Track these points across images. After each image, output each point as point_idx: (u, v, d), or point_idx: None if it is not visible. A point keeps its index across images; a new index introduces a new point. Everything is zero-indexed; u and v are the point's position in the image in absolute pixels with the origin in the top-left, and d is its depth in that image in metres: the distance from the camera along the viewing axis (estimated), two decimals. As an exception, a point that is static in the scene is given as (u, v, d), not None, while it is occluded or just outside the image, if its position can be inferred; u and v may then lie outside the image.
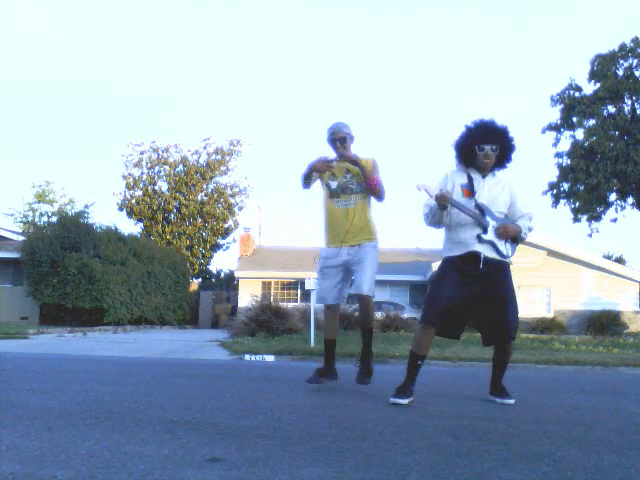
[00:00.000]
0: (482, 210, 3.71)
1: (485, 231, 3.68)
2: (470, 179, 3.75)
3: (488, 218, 3.71)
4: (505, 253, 3.75)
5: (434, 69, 60.80)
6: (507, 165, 3.86)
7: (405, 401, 3.55)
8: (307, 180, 4.28)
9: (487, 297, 3.65)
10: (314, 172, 4.25)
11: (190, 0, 57.28)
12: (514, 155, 3.84)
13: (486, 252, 3.68)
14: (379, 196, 4.26)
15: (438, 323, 3.65)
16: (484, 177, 3.78)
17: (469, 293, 3.64)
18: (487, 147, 3.69)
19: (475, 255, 3.66)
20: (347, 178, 4.25)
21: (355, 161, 4.18)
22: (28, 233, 21.22)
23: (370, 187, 4.19)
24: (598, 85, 24.93)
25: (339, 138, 4.24)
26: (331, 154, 4.31)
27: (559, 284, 23.26)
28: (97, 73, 54.90)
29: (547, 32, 58.97)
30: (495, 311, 3.66)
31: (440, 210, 3.66)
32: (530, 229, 3.86)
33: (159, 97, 59.20)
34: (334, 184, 4.31)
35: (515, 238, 3.80)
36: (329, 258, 4.29)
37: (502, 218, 3.77)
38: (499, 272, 3.71)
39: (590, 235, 25.93)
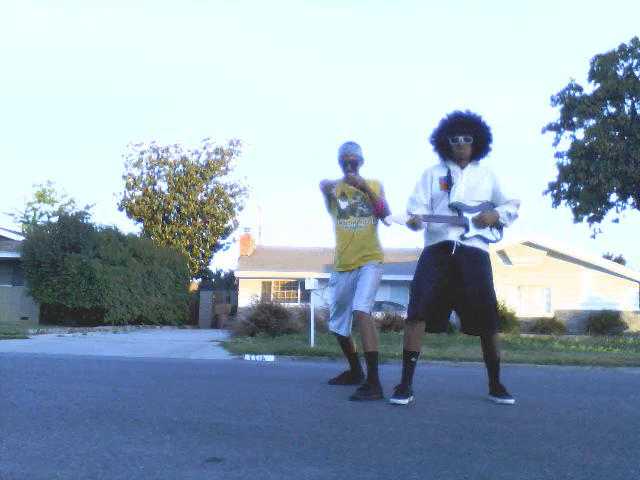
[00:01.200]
0: (457, 208, 3.73)
1: (467, 229, 3.71)
2: (449, 172, 3.77)
3: (465, 214, 3.72)
4: (494, 239, 3.79)
5: (434, 69, 60.85)
6: (486, 155, 3.86)
7: (405, 401, 3.54)
8: (330, 203, 4.32)
9: (466, 286, 3.66)
10: (327, 195, 4.27)
11: (190, 0, 57.31)
12: (492, 145, 3.84)
13: (466, 242, 3.71)
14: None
15: (425, 316, 3.67)
16: (463, 168, 3.79)
17: (448, 281, 3.66)
18: (460, 138, 3.71)
19: (449, 244, 3.69)
20: (357, 200, 4.22)
21: (363, 187, 4.13)
22: (28, 233, 21.21)
23: (377, 211, 4.17)
24: (598, 85, 24.91)
25: (350, 161, 4.19)
26: (340, 174, 4.29)
27: (559, 284, 23.28)
28: (97, 73, 54.95)
29: (547, 32, 59.01)
30: (474, 302, 3.66)
31: (414, 229, 3.70)
32: (513, 215, 3.83)
33: (159, 97, 59.23)
34: (344, 204, 4.27)
35: (497, 224, 3.81)
36: (338, 285, 4.29)
37: (477, 206, 3.75)
38: (478, 262, 3.73)
39: (593, 236, 25.91)
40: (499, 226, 3.84)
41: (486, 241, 3.78)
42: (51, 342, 10.38)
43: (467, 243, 3.71)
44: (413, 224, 3.62)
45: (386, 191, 4.29)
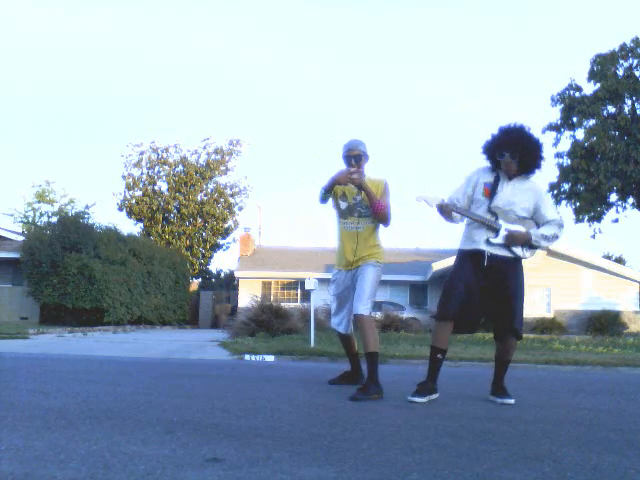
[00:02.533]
0: (495, 214, 3.75)
1: (496, 234, 3.73)
2: (497, 179, 3.80)
3: (501, 221, 3.74)
4: (521, 255, 3.79)
5: (434, 69, 60.83)
6: (535, 171, 3.87)
7: (424, 399, 3.60)
8: (326, 194, 4.14)
9: (496, 293, 3.71)
10: (337, 185, 4.09)
11: (190, 0, 57.30)
12: (542, 162, 3.86)
13: (495, 250, 3.73)
14: (384, 221, 4.20)
15: (453, 317, 3.70)
16: (510, 179, 3.80)
17: (481, 286, 3.70)
18: (506, 154, 3.73)
19: (481, 253, 3.72)
20: (357, 200, 4.18)
21: (360, 185, 4.06)
22: (28, 233, 21.22)
23: (374, 212, 4.13)
24: (598, 85, 24.91)
25: (354, 155, 4.13)
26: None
27: (559, 284, 23.26)
28: (97, 73, 54.95)
29: (547, 32, 58.99)
30: (502, 308, 3.72)
31: (445, 218, 3.71)
32: (551, 236, 3.80)
33: (159, 97, 59.23)
34: (344, 205, 4.22)
35: (529, 244, 3.81)
36: (338, 283, 4.27)
37: (517, 220, 3.78)
38: (509, 269, 3.76)
39: (593, 236, 25.93)
40: (531, 246, 3.83)
41: (512, 253, 3.78)
42: (51, 342, 10.38)
43: (498, 252, 3.72)
44: (442, 210, 3.60)
45: (391, 192, 4.25)
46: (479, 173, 3.88)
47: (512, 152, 3.72)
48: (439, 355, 3.76)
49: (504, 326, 3.78)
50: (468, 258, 3.79)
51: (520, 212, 3.80)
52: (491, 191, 3.76)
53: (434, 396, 3.70)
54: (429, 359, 3.82)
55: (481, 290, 3.71)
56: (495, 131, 3.86)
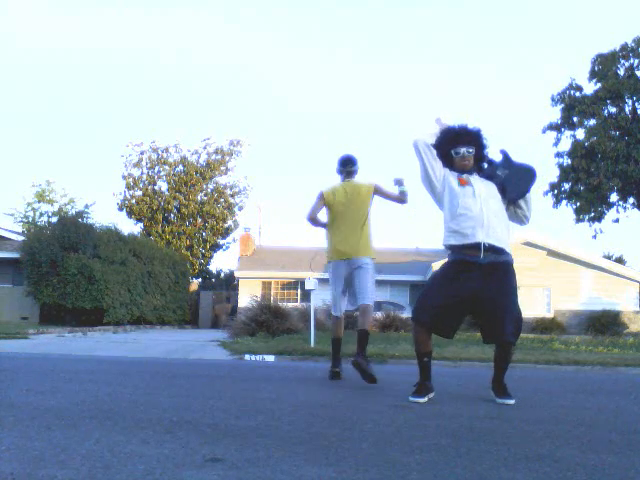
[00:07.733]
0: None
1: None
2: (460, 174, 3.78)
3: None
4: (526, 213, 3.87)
5: (434, 69, 60.82)
6: (484, 164, 3.89)
7: (424, 399, 3.61)
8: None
9: (488, 297, 3.60)
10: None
11: (190, 0, 57.32)
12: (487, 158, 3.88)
13: (490, 240, 3.59)
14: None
15: (427, 321, 3.67)
16: (471, 174, 3.77)
17: (467, 291, 3.59)
18: (463, 149, 3.72)
19: (477, 246, 3.59)
20: None
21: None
22: (28, 233, 21.21)
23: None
24: (599, 85, 24.92)
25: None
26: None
27: (559, 284, 23.27)
28: (97, 73, 54.97)
29: (547, 32, 58.99)
30: (495, 314, 3.62)
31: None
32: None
33: (159, 97, 59.25)
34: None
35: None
36: None
37: (500, 210, 3.76)
38: (501, 272, 3.66)
39: (594, 237, 25.93)
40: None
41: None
42: (51, 342, 10.38)
43: (494, 242, 3.60)
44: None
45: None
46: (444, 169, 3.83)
47: (468, 147, 3.72)
48: (425, 359, 3.76)
49: (500, 337, 3.65)
50: (458, 264, 3.65)
51: (500, 201, 3.76)
52: (466, 180, 3.69)
53: (432, 394, 3.70)
54: (417, 363, 3.82)
55: (469, 294, 3.58)
56: (440, 132, 3.83)
